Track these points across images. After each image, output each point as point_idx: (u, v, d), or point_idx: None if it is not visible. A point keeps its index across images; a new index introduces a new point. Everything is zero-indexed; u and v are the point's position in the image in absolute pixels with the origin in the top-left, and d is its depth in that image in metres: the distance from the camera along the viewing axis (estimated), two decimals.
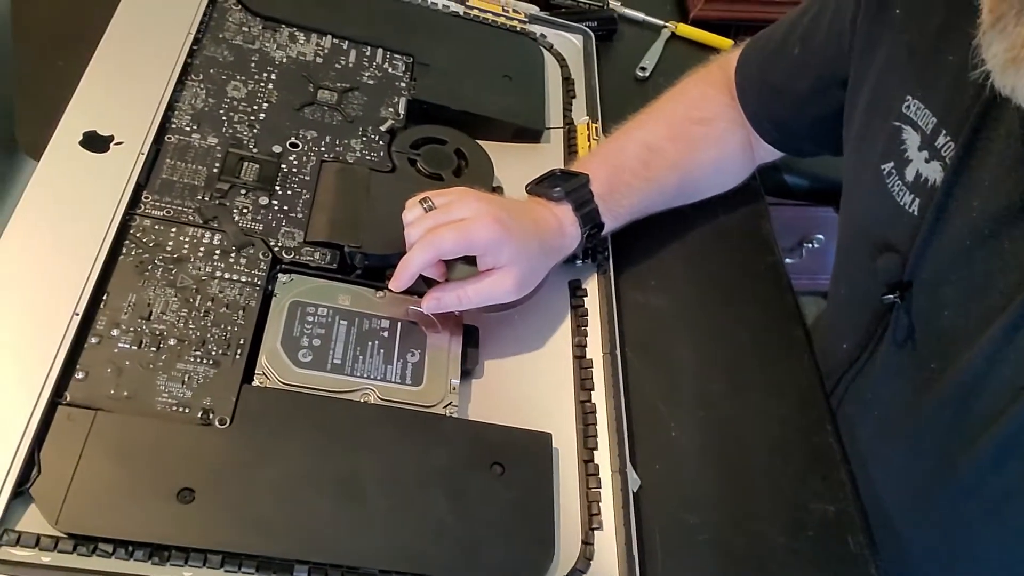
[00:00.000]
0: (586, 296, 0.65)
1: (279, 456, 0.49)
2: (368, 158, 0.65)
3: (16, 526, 0.44)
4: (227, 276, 0.56)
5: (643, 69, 0.87)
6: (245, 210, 0.59)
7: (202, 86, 0.64)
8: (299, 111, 0.66)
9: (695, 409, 0.63)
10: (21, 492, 0.44)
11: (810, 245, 1.31)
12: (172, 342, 0.52)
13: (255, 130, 0.63)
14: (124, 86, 0.61)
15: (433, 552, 0.49)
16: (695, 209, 0.73)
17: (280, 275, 0.57)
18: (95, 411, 0.48)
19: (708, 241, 0.74)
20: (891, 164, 0.58)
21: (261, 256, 0.57)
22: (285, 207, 0.60)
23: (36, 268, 0.51)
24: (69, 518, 0.44)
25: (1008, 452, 0.53)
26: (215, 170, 0.60)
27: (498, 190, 0.68)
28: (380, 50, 0.73)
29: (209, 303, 0.54)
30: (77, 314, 0.50)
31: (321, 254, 0.59)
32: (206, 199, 0.58)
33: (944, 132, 0.54)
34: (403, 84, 0.71)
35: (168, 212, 0.57)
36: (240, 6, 0.70)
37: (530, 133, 0.75)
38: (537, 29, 0.84)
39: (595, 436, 0.58)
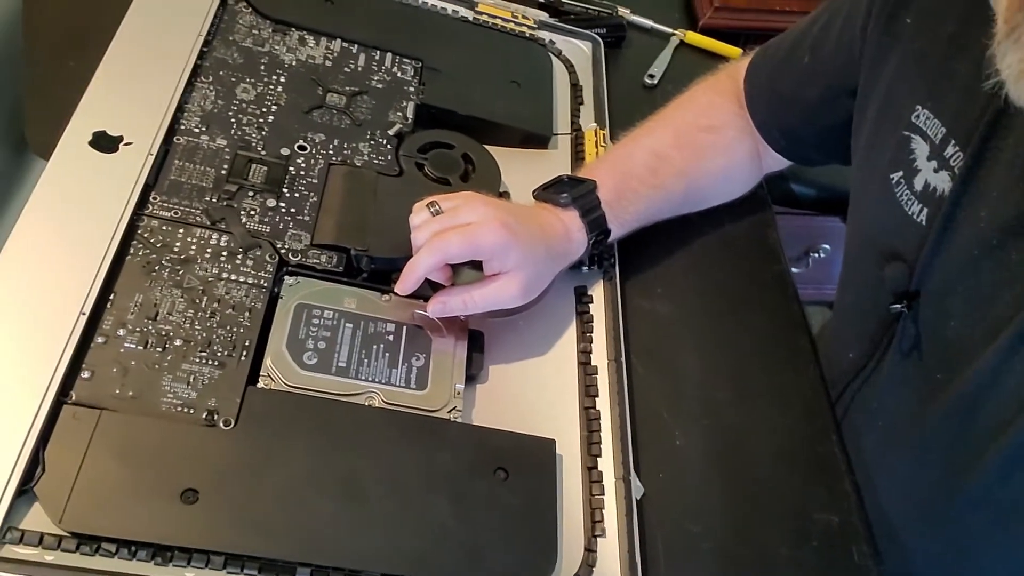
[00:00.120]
0: (592, 302, 0.65)
1: (283, 458, 0.49)
2: (376, 162, 0.65)
3: (20, 524, 0.44)
4: (233, 278, 0.56)
5: (651, 76, 0.87)
6: (252, 212, 0.59)
7: (211, 88, 0.64)
8: (308, 114, 0.66)
9: (699, 417, 0.63)
10: (25, 490, 0.45)
11: (816, 255, 1.31)
12: (178, 343, 0.52)
13: (263, 132, 0.63)
14: (134, 87, 0.61)
15: (435, 556, 0.49)
16: (702, 217, 0.73)
17: (286, 277, 0.57)
18: (100, 410, 0.48)
19: (714, 249, 0.74)
20: (900, 173, 0.58)
21: (268, 258, 0.57)
22: (292, 210, 0.60)
23: (44, 267, 0.52)
24: (73, 517, 0.44)
25: (1014, 463, 0.52)
26: (223, 172, 0.60)
27: (505, 195, 0.68)
28: (389, 54, 0.73)
29: (215, 304, 0.54)
30: (84, 313, 0.50)
31: (327, 257, 0.59)
32: (214, 200, 0.59)
33: (953, 142, 0.54)
34: (411, 88, 0.71)
35: (176, 213, 0.57)
36: (250, 9, 0.71)
37: (537, 139, 0.75)
38: (546, 35, 0.84)
39: (599, 443, 0.58)
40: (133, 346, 0.51)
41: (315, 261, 0.58)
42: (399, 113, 0.69)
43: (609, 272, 0.67)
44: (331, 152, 0.64)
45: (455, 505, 0.50)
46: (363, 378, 0.54)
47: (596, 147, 0.75)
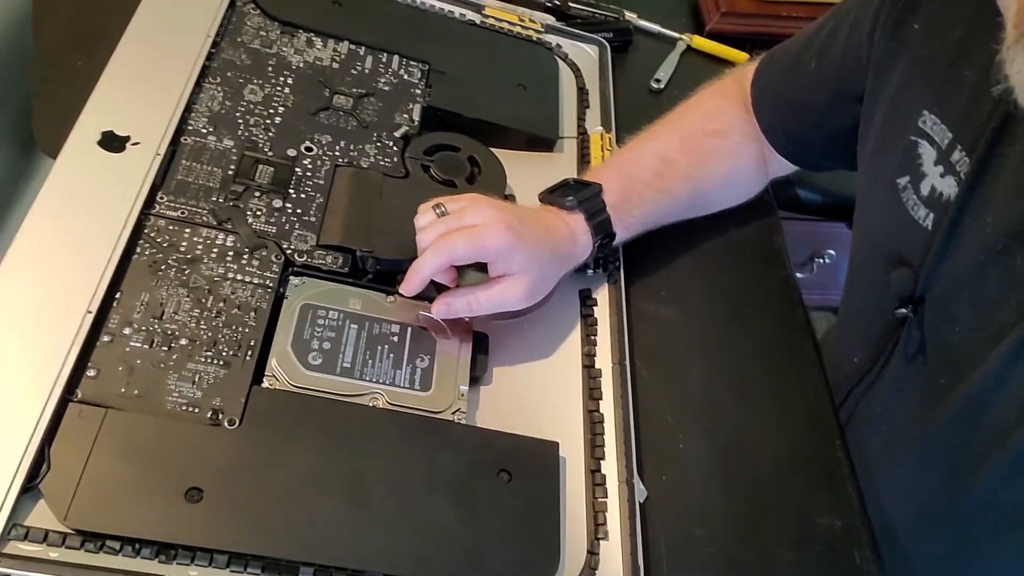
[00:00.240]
0: (596, 306, 0.65)
1: (287, 458, 0.49)
2: (382, 163, 0.65)
3: (25, 521, 0.44)
4: (239, 278, 0.56)
5: (658, 81, 0.87)
6: (259, 212, 0.59)
7: (219, 89, 0.64)
8: (314, 116, 0.66)
9: (703, 421, 0.63)
10: (30, 488, 0.45)
11: (821, 260, 1.31)
12: (183, 342, 0.52)
13: (270, 133, 0.64)
14: (142, 87, 0.61)
15: (438, 557, 0.49)
16: (707, 221, 0.73)
17: (292, 278, 0.57)
18: (106, 409, 0.48)
19: (720, 253, 0.74)
20: (906, 178, 0.58)
21: (273, 258, 0.57)
22: (298, 210, 0.60)
23: (51, 265, 0.52)
24: (77, 514, 0.44)
25: (1018, 469, 0.52)
26: (230, 172, 0.60)
27: (510, 198, 0.68)
28: (396, 57, 0.73)
29: (221, 304, 0.54)
30: (90, 312, 0.50)
31: (333, 258, 0.59)
32: (220, 201, 0.59)
33: (960, 147, 0.54)
34: (418, 91, 0.72)
35: (182, 213, 0.57)
36: (259, 10, 0.71)
37: (543, 142, 0.75)
38: (553, 39, 0.84)
39: (603, 446, 0.58)
40: (139, 345, 0.51)
41: (320, 262, 0.58)
42: (405, 115, 0.69)
43: (614, 275, 0.67)
44: (337, 153, 0.65)
45: (458, 506, 0.51)
46: (367, 379, 0.54)
47: (602, 151, 0.75)
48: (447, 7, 0.81)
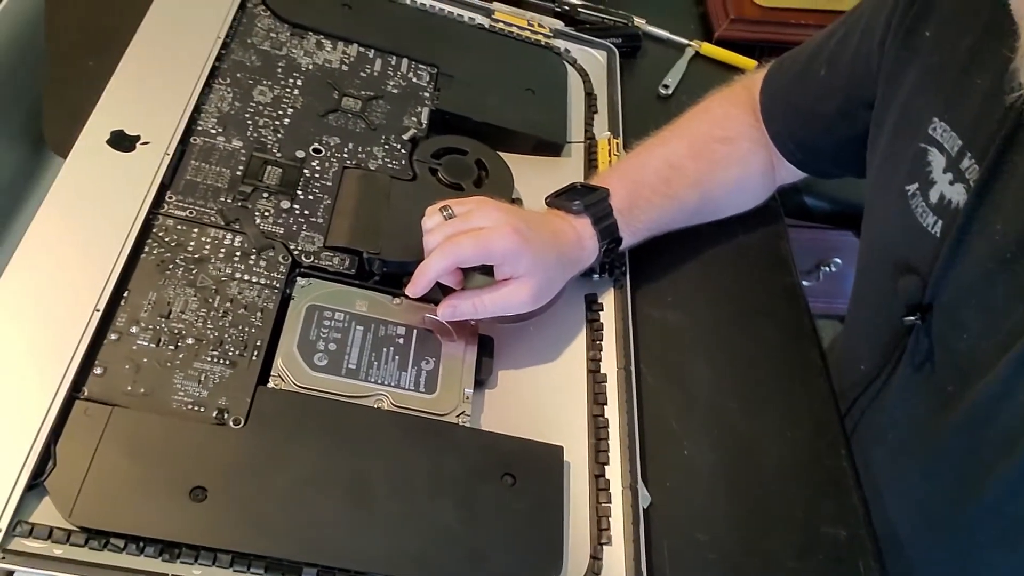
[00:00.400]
0: (602, 310, 0.65)
1: (291, 458, 0.49)
2: (390, 166, 0.66)
3: (30, 518, 0.44)
4: (246, 278, 0.56)
5: (666, 87, 0.87)
6: (267, 213, 0.59)
7: (229, 90, 0.65)
8: (323, 117, 0.66)
9: (708, 427, 0.62)
10: (36, 484, 0.45)
11: (828, 268, 1.30)
12: (190, 341, 0.52)
13: (279, 135, 0.64)
14: (152, 87, 0.61)
15: (441, 560, 0.49)
16: (713, 227, 0.73)
17: (299, 279, 0.57)
18: (112, 407, 0.48)
19: (726, 260, 0.73)
20: (915, 185, 0.58)
21: (281, 259, 0.57)
22: (306, 212, 0.60)
23: (60, 264, 0.52)
24: (82, 512, 0.44)
25: None
26: (238, 173, 0.60)
27: (517, 202, 0.69)
28: (405, 60, 0.73)
29: (228, 304, 0.54)
30: (98, 310, 0.51)
31: (340, 259, 0.59)
32: (229, 201, 0.59)
33: (969, 155, 0.54)
34: (427, 94, 0.72)
35: (191, 213, 0.58)
36: (269, 12, 0.71)
37: (551, 146, 0.75)
38: (561, 44, 0.84)
39: (607, 451, 0.58)
40: (146, 344, 0.51)
41: (327, 263, 0.59)
42: (414, 118, 0.70)
43: (620, 280, 0.67)
44: (346, 155, 0.65)
45: (462, 509, 0.51)
46: (373, 380, 0.55)
47: (609, 156, 0.75)
48: (456, 11, 0.81)
